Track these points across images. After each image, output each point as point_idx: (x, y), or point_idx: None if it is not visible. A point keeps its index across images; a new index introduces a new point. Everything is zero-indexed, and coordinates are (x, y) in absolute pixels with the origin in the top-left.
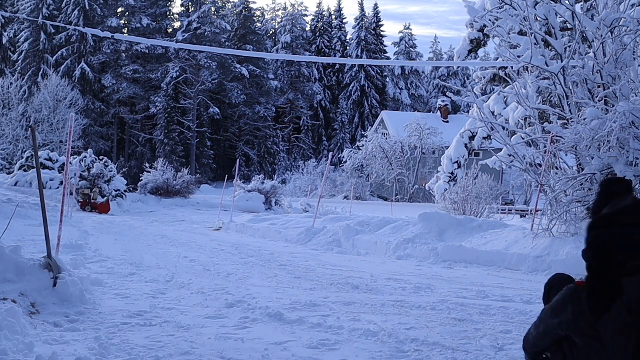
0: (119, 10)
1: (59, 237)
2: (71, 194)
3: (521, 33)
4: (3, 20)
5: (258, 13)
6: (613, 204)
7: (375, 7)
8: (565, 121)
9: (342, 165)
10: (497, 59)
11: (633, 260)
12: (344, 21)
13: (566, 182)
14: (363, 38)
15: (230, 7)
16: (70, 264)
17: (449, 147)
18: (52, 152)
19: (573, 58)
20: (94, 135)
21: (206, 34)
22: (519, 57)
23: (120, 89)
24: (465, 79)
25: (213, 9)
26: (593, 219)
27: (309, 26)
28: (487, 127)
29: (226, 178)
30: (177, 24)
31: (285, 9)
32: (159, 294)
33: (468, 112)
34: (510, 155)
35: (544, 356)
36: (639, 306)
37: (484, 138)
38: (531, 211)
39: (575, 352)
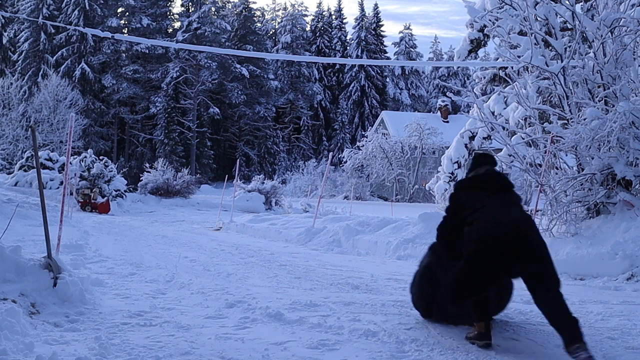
0: (119, 10)
1: (59, 237)
2: (71, 194)
3: (521, 33)
4: (3, 20)
5: (258, 13)
6: (475, 172)
7: (375, 7)
8: (565, 121)
9: (342, 165)
10: (497, 59)
11: (471, 215)
12: (344, 21)
13: (566, 182)
14: (363, 38)
15: (230, 7)
16: (70, 264)
17: (449, 147)
18: (52, 152)
19: (573, 58)
20: (94, 135)
21: (206, 34)
22: (519, 57)
23: (120, 89)
24: (465, 79)
25: (213, 9)
26: (456, 181)
27: (309, 26)
28: (487, 127)
29: (226, 178)
30: (177, 24)
31: (285, 9)
32: (159, 294)
33: (468, 112)
34: (510, 155)
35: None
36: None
37: (484, 138)
38: (531, 211)
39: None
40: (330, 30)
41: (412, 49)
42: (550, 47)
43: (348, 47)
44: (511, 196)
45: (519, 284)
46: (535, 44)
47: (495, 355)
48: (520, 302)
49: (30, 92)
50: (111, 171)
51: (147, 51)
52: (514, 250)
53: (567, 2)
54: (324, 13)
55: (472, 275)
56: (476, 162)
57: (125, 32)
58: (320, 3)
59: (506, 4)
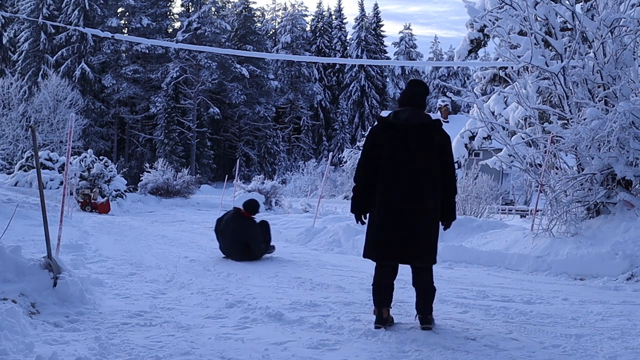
0: (119, 10)
1: (59, 237)
2: (71, 194)
3: (521, 33)
4: (3, 20)
5: (258, 13)
6: (394, 112)
7: (375, 7)
8: (565, 121)
9: (342, 165)
10: (497, 59)
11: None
12: (344, 21)
13: (566, 182)
14: (363, 38)
15: (230, 7)
16: (70, 264)
17: None
18: (52, 152)
19: (573, 58)
20: (94, 135)
21: (206, 34)
22: (519, 57)
23: (120, 89)
24: (465, 79)
25: (213, 9)
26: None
27: (309, 26)
28: (487, 127)
29: (226, 178)
30: (177, 24)
31: (285, 9)
32: (159, 294)
33: (468, 112)
34: (510, 155)
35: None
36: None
37: (484, 138)
38: (531, 211)
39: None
40: (330, 30)
41: (412, 49)
42: (550, 47)
43: (348, 47)
44: None
45: (519, 284)
46: (535, 44)
47: (495, 355)
48: (520, 302)
49: (30, 92)
50: (111, 171)
51: (147, 51)
52: None
53: (567, 2)
54: (324, 13)
55: None
56: (399, 105)
57: (125, 32)
58: (320, 3)
59: (506, 4)
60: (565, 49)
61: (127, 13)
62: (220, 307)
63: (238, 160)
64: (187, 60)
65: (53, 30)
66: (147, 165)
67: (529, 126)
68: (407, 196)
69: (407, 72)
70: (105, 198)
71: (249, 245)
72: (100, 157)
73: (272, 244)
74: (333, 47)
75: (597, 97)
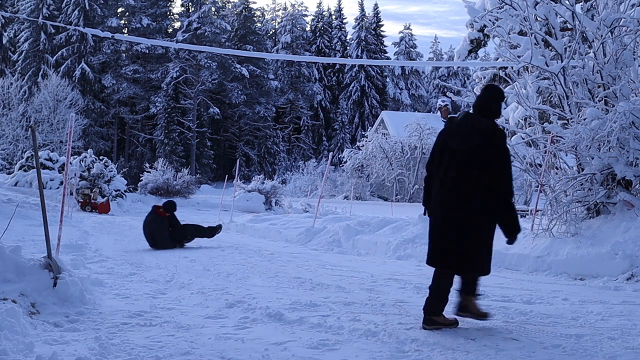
0: (119, 10)
1: (59, 237)
2: (71, 194)
3: (521, 33)
4: (3, 20)
5: (258, 13)
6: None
7: (375, 7)
8: (565, 121)
9: (342, 165)
10: (497, 59)
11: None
12: (344, 21)
13: (566, 182)
14: (363, 38)
15: (230, 7)
16: (70, 264)
17: None
18: (52, 152)
19: (573, 58)
20: (94, 135)
21: (206, 34)
22: (519, 57)
23: (120, 89)
24: (465, 79)
25: (213, 9)
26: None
27: (309, 26)
28: None
29: (226, 178)
30: (177, 24)
31: (285, 9)
32: (159, 294)
33: None
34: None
35: None
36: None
37: None
38: (531, 211)
39: None
40: (330, 30)
41: (412, 49)
42: (550, 47)
43: (348, 47)
44: None
45: (518, 284)
46: (535, 44)
47: (495, 355)
48: (520, 302)
49: (30, 92)
50: (111, 171)
51: (147, 51)
52: None
53: (567, 2)
54: (324, 13)
55: None
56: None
57: (125, 32)
58: (320, 3)
59: (506, 4)
60: (565, 49)
61: (127, 13)
62: (220, 307)
63: (238, 160)
64: (187, 60)
65: (53, 30)
66: (147, 165)
67: (529, 126)
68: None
69: (407, 72)
70: (105, 198)
71: (155, 237)
72: (100, 157)
73: (272, 243)
74: (333, 47)
75: (597, 97)
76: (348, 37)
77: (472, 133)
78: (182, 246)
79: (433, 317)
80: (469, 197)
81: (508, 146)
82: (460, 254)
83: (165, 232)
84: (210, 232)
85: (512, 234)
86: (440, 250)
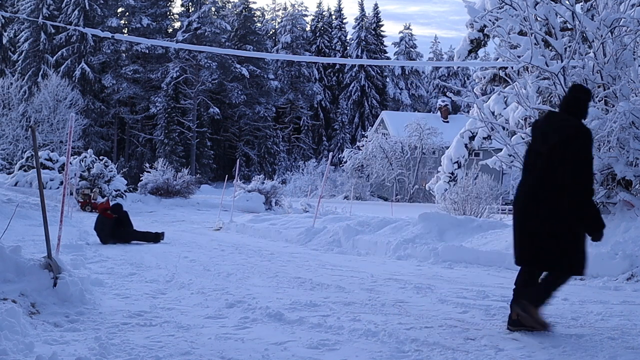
0: (119, 10)
1: (59, 237)
2: (71, 194)
3: (521, 33)
4: (3, 20)
5: (258, 13)
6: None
7: (375, 7)
8: None
9: (342, 165)
10: (497, 59)
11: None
12: (344, 21)
13: None
14: (363, 38)
15: (230, 7)
16: (70, 264)
17: (449, 147)
18: (52, 152)
19: (573, 58)
20: (94, 135)
21: (206, 34)
22: (519, 57)
23: (120, 89)
24: (465, 79)
25: (213, 9)
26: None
27: (309, 26)
28: (487, 127)
29: (226, 178)
30: (177, 24)
31: (285, 9)
32: (159, 294)
33: (468, 112)
34: (510, 155)
35: None
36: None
37: (484, 138)
38: None
39: None
40: (330, 30)
41: (412, 49)
42: (550, 47)
43: (348, 47)
44: None
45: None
46: (535, 44)
47: (495, 355)
48: None
49: (30, 92)
50: (111, 171)
51: (147, 51)
52: None
53: (567, 2)
54: (324, 13)
55: None
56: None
57: (125, 32)
58: (320, 3)
59: (506, 4)
60: (565, 49)
61: (127, 13)
62: (220, 307)
63: (238, 160)
64: (187, 60)
65: (53, 30)
66: (147, 165)
67: (529, 126)
68: None
69: (407, 72)
70: (105, 198)
71: (100, 235)
72: (100, 157)
73: (272, 243)
74: (333, 47)
75: (597, 97)
76: (348, 37)
77: (553, 132)
78: (129, 242)
79: (529, 304)
80: (551, 196)
81: (588, 145)
82: (549, 252)
83: (109, 231)
84: (154, 238)
85: (595, 231)
86: (532, 248)
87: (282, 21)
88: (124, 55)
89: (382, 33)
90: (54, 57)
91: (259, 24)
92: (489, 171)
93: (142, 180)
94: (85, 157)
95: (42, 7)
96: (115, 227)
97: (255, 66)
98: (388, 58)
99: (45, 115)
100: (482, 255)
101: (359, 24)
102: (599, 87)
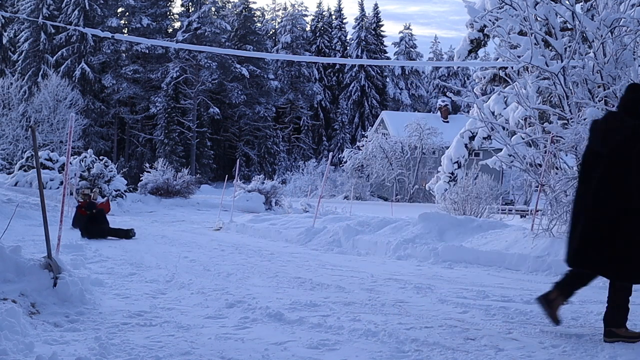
0: (119, 10)
1: (59, 237)
2: (71, 194)
3: (521, 33)
4: (3, 20)
5: (258, 13)
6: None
7: (375, 7)
8: (565, 121)
9: (342, 165)
10: (497, 59)
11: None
12: (344, 21)
13: (566, 182)
14: (363, 38)
15: (230, 7)
16: (70, 264)
17: (449, 147)
18: (52, 152)
19: (573, 58)
20: (94, 135)
21: (206, 34)
22: (519, 57)
23: (120, 89)
24: (465, 79)
25: (213, 9)
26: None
27: (309, 26)
28: (487, 127)
29: (226, 178)
30: (177, 24)
31: (285, 9)
32: (159, 294)
33: (468, 112)
34: (510, 155)
35: None
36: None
37: (484, 138)
38: (531, 211)
39: None
40: (330, 30)
41: (412, 49)
42: (550, 47)
43: (348, 47)
44: None
45: (519, 284)
46: (535, 44)
47: (495, 355)
48: (521, 302)
49: (30, 92)
50: (111, 171)
51: (147, 51)
52: None
53: (567, 2)
54: (324, 13)
55: None
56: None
57: (125, 32)
58: (320, 3)
59: (506, 4)
60: (565, 49)
61: (127, 13)
62: (220, 307)
63: (238, 160)
64: (187, 60)
65: (53, 30)
66: (147, 165)
67: (529, 126)
68: None
69: (407, 72)
70: (105, 198)
71: (77, 228)
72: (100, 157)
73: (272, 243)
74: (333, 47)
75: (597, 97)
76: (348, 37)
77: (612, 132)
78: (105, 237)
79: (613, 329)
80: (613, 198)
81: None
82: (608, 257)
83: (82, 227)
84: (125, 234)
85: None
86: (590, 252)
87: (282, 21)
88: (124, 55)
89: (382, 33)
90: (54, 57)
91: (259, 24)
92: (489, 171)
93: (142, 180)
94: (85, 157)
95: (42, 7)
96: (88, 224)
97: (255, 66)
98: (388, 58)
99: (45, 115)
100: (482, 255)
101: (359, 24)
102: (599, 87)
